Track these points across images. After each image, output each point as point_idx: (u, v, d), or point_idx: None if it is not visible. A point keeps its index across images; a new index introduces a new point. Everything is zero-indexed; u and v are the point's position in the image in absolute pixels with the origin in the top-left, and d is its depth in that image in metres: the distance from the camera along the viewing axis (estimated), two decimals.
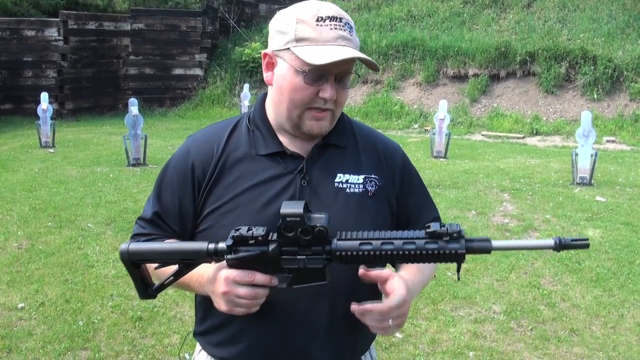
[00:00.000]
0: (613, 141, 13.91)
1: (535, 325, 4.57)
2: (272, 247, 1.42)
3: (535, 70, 16.73)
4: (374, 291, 1.52)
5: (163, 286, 1.54)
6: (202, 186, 1.64)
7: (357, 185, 1.65)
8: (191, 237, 1.68)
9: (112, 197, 8.28)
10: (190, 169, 1.65)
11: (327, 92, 1.53)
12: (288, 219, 1.38)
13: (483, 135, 15.37)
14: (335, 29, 1.51)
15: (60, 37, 18.01)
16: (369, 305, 1.44)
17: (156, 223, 1.70)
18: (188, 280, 1.58)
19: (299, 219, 1.38)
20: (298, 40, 1.51)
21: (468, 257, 1.41)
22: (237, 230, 1.42)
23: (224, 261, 1.46)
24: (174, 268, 1.52)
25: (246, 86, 17.51)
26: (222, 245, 1.44)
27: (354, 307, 1.46)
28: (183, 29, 20.04)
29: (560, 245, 1.34)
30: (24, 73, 18.02)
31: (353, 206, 1.62)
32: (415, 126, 16.41)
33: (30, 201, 8.01)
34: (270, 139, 1.65)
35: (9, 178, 9.53)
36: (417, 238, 1.39)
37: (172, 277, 1.52)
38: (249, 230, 1.42)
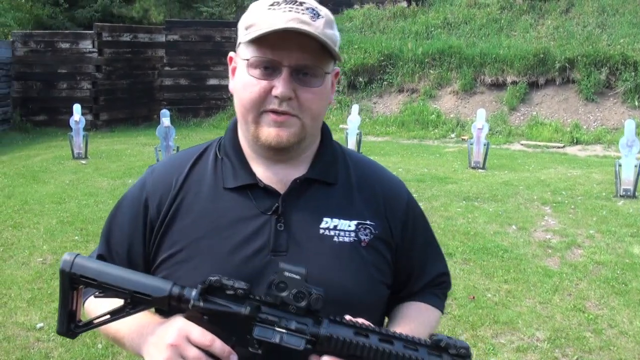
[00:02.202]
0: None
1: (582, 355, 4.24)
2: (250, 306, 1.14)
3: (575, 77, 16.24)
4: None
5: (91, 325, 1.22)
6: (155, 227, 1.35)
7: (347, 233, 1.34)
8: None
9: None
10: (143, 205, 1.37)
11: (279, 88, 1.23)
12: (287, 273, 1.12)
13: (522, 144, 14.94)
14: (290, 11, 1.22)
15: (95, 49, 18.12)
16: None
17: None
18: (123, 326, 1.28)
19: (299, 277, 1.12)
20: (247, 27, 1.26)
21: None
22: (214, 276, 1.15)
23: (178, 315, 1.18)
24: (113, 306, 1.20)
25: None
26: (191, 291, 1.16)
27: None
28: (217, 39, 20.01)
29: None
30: (59, 85, 18.12)
31: (342, 259, 1.32)
32: (452, 136, 16.06)
33: (59, 214, 7.92)
34: (240, 169, 1.35)
35: (38, 190, 9.46)
36: (421, 344, 1.14)
37: (108, 316, 1.20)
38: (229, 279, 1.14)
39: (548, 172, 11.01)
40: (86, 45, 18.13)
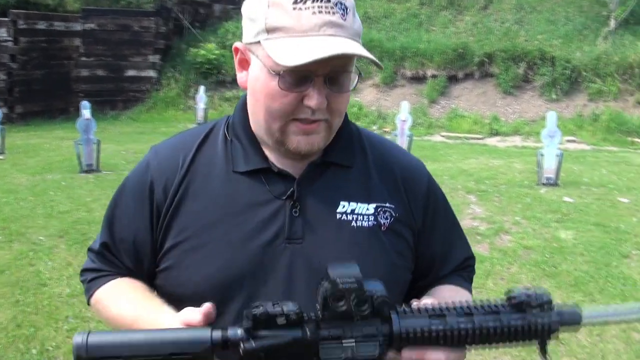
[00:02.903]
0: (573, 141, 13.98)
1: None
2: (310, 328, 0.98)
3: (493, 72, 16.80)
4: None
5: None
6: (162, 212, 1.25)
7: (366, 217, 1.26)
8: (150, 276, 1.29)
9: (65, 207, 7.84)
10: (149, 188, 1.27)
11: (313, 99, 1.13)
12: (340, 283, 0.96)
13: (443, 136, 15.32)
14: (320, 12, 1.10)
15: (10, 38, 17.23)
16: None
17: (105, 256, 1.34)
18: None
19: (355, 283, 0.96)
20: (270, 30, 1.12)
21: None
22: (257, 306, 0.97)
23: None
24: (131, 291, 1.08)
25: (201, 88, 17.16)
26: (235, 330, 0.98)
27: None
28: (136, 29, 19.52)
29: None
30: None
31: (361, 246, 1.24)
32: (374, 128, 16.25)
33: None
34: (252, 152, 1.26)
35: None
36: (501, 311, 1.03)
37: None
38: (275, 305, 0.97)
39: (470, 162, 11.32)
40: (1, 33, 17.26)
